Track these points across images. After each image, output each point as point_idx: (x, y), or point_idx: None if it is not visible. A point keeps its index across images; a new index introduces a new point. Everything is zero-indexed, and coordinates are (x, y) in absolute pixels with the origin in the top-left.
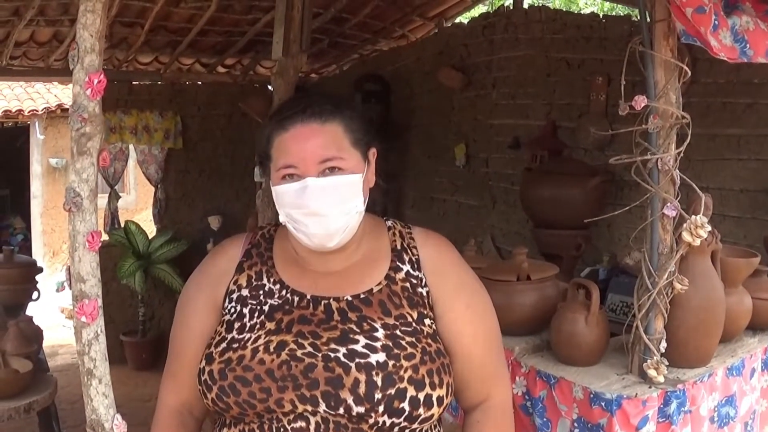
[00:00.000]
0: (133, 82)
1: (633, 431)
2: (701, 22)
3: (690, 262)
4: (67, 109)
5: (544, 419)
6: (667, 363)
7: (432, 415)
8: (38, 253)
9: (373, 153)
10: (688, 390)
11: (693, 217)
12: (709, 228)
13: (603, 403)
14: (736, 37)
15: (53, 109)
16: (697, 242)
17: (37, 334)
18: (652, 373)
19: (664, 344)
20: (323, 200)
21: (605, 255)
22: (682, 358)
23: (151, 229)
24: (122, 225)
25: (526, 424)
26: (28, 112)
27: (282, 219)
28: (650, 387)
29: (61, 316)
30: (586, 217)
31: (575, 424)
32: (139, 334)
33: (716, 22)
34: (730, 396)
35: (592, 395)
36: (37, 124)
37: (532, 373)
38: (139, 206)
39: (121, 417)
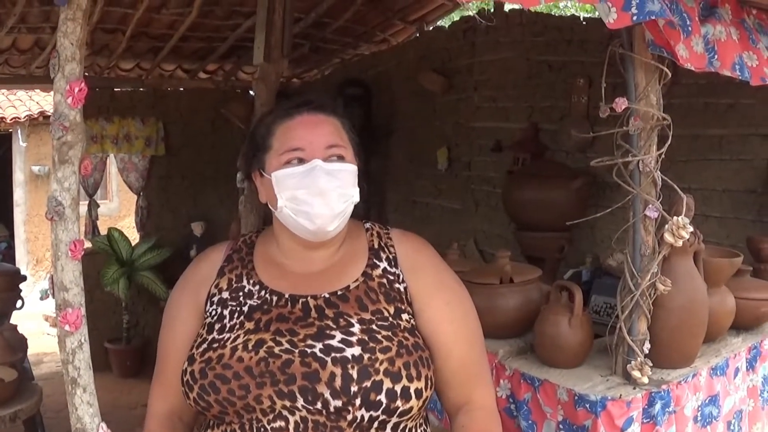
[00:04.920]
0: (115, 89)
1: None
2: (671, 36)
3: (672, 263)
4: (50, 117)
5: (529, 422)
6: (651, 364)
7: (411, 408)
8: (22, 261)
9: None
10: (672, 390)
11: (675, 218)
12: (691, 229)
13: (588, 405)
14: (707, 46)
15: (35, 116)
16: (679, 243)
17: (21, 343)
18: (636, 374)
19: (647, 345)
20: (330, 182)
21: (588, 257)
22: (666, 359)
23: (134, 236)
24: (102, 233)
25: (510, 427)
26: (11, 119)
27: (281, 203)
28: (634, 388)
29: (46, 324)
30: (569, 219)
31: (560, 426)
32: (123, 342)
33: (690, 29)
34: (714, 395)
35: (576, 397)
36: (19, 131)
37: (517, 376)
38: (122, 213)
39: (106, 425)
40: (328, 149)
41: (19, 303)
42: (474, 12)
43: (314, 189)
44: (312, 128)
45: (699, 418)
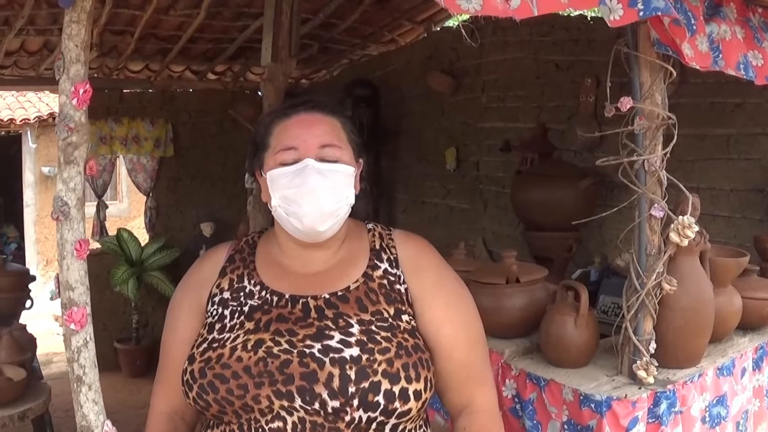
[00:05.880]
0: (124, 90)
1: None
2: (676, 33)
3: (678, 262)
4: None
5: (534, 422)
6: (656, 364)
7: (409, 410)
8: (32, 262)
9: (360, 162)
10: (678, 390)
11: (680, 217)
12: (697, 228)
13: (593, 405)
14: (712, 45)
15: (45, 117)
16: (685, 243)
17: (30, 343)
18: (641, 374)
19: (653, 345)
20: (320, 181)
21: (596, 256)
22: (671, 359)
23: (144, 237)
24: (111, 234)
25: (516, 427)
26: (20, 121)
27: (275, 203)
28: (640, 388)
29: (55, 324)
30: (577, 219)
31: (565, 427)
32: (132, 341)
33: (694, 27)
34: (721, 396)
35: (582, 397)
36: (29, 132)
37: (522, 376)
38: (132, 214)
39: (111, 423)
40: (322, 149)
41: (28, 303)
42: (464, 22)
43: (304, 188)
44: (307, 127)
45: (707, 419)
